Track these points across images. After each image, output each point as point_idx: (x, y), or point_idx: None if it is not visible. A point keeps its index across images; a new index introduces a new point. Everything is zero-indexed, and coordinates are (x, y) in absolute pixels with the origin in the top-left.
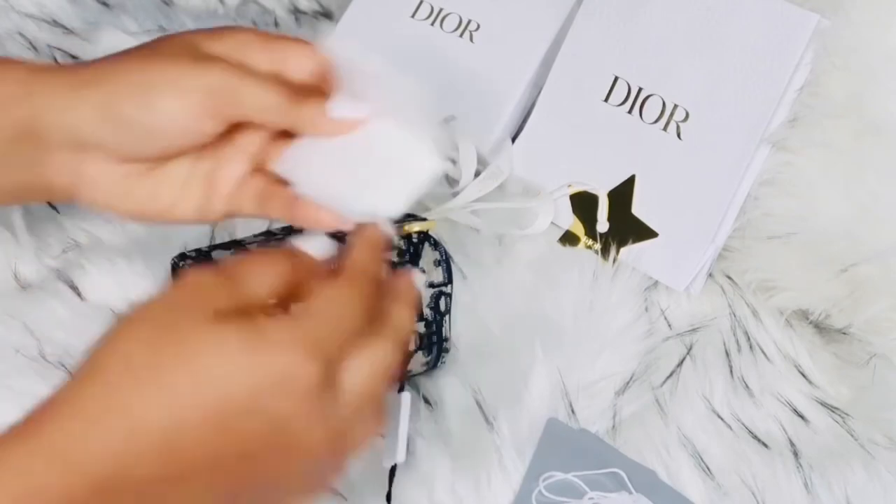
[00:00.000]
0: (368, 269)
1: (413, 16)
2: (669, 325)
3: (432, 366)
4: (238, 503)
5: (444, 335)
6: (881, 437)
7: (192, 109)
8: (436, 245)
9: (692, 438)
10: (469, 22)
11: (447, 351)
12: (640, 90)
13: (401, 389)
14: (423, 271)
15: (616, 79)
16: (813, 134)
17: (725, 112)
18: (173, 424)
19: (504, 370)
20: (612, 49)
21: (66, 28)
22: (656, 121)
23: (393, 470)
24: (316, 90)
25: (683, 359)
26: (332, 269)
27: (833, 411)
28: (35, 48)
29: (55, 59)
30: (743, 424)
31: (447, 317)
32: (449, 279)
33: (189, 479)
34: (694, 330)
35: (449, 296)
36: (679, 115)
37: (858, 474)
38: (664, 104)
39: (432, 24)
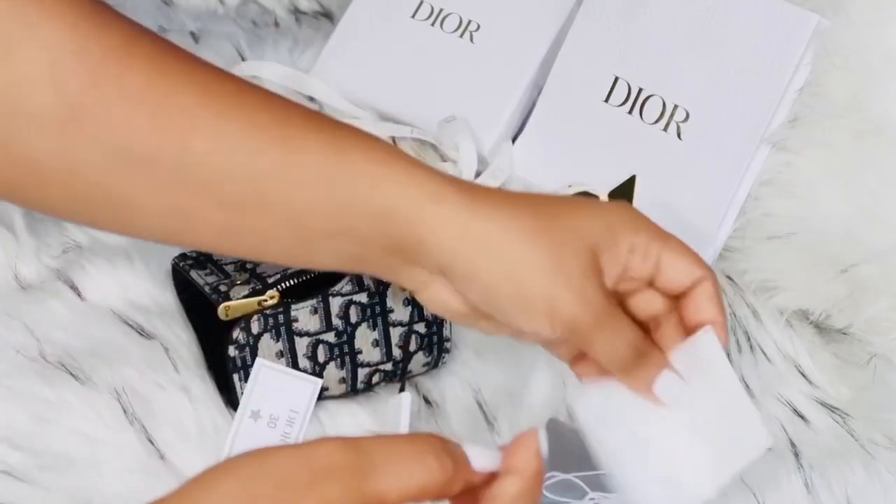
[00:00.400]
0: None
1: (413, 16)
2: None
3: (432, 367)
4: None
5: (444, 335)
6: (881, 437)
7: (552, 333)
8: None
9: None
10: (469, 22)
11: (448, 351)
12: (640, 90)
13: (401, 389)
14: None
15: (616, 79)
16: (813, 134)
17: (725, 112)
18: None
19: (505, 370)
20: (612, 49)
21: None
22: (656, 121)
23: None
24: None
25: None
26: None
27: (833, 411)
28: None
29: None
30: None
31: None
32: None
33: None
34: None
35: None
36: (679, 115)
37: (858, 474)
38: (664, 104)
39: (432, 24)
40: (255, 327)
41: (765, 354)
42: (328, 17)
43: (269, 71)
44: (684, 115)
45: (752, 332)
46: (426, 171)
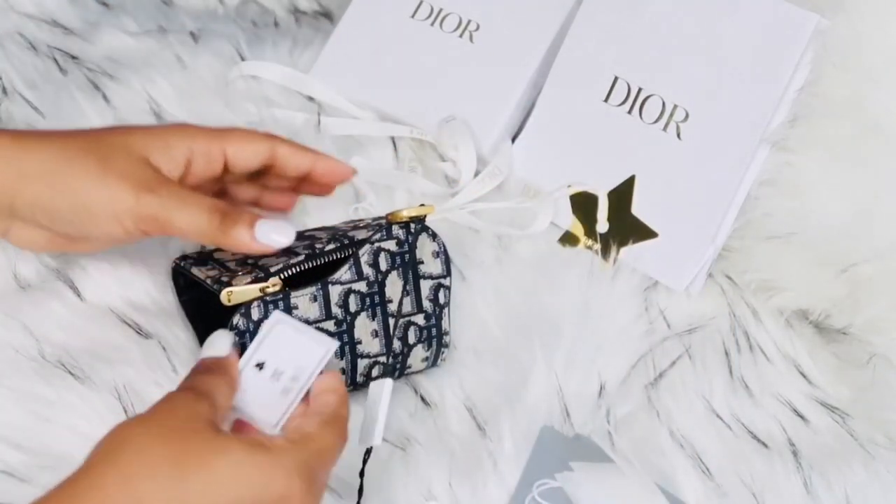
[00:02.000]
0: (346, 418)
1: (413, 16)
2: (669, 325)
3: (432, 362)
4: None
5: (443, 328)
6: (881, 437)
7: (125, 231)
8: (434, 236)
9: (691, 439)
10: (469, 22)
11: (447, 346)
12: (640, 90)
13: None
14: (422, 262)
15: (616, 79)
16: (813, 134)
17: (725, 112)
18: None
19: (503, 371)
20: (611, 49)
21: (66, 28)
22: (656, 121)
23: (368, 451)
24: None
25: (682, 359)
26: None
27: (833, 411)
28: (35, 48)
29: (55, 60)
30: (742, 424)
31: (446, 309)
32: (447, 271)
33: None
34: (693, 330)
35: (448, 288)
36: (679, 115)
37: (858, 474)
38: (664, 104)
39: (432, 24)
40: (255, 313)
41: (765, 354)
42: (328, 17)
43: (269, 71)
44: (684, 115)
45: (751, 332)
46: None
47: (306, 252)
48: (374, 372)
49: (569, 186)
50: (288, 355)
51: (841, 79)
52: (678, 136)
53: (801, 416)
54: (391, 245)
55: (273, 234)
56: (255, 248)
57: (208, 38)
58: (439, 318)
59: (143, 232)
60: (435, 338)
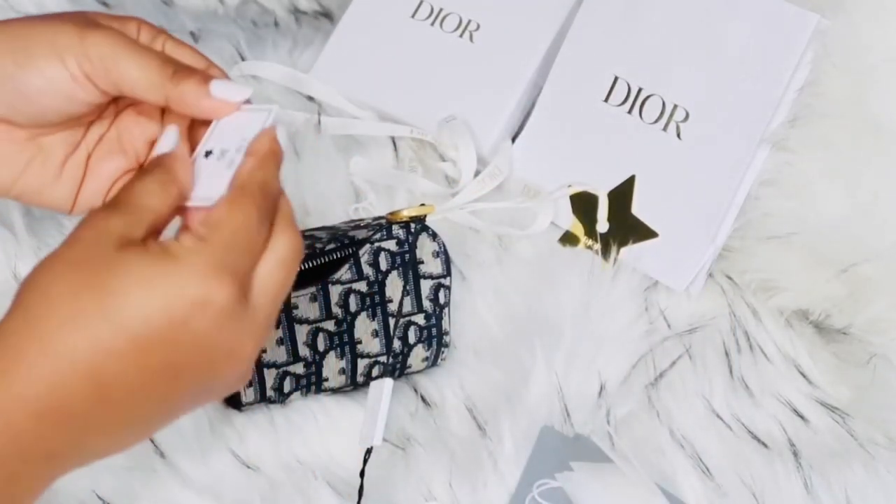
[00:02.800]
0: (267, 182)
1: (413, 16)
2: (669, 326)
3: (432, 362)
4: (174, 411)
5: (443, 328)
6: (881, 437)
7: (69, 72)
8: (434, 236)
9: (691, 439)
10: (469, 22)
11: (447, 346)
12: (640, 90)
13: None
14: (422, 262)
15: (616, 79)
16: (813, 134)
17: (725, 112)
18: (97, 354)
19: (503, 371)
20: (612, 49)
21: None
22: (656, 121)
23: (369, 451)
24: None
25: (682, 359)
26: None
27: (833, 411)
28: None
29: None
30: (743, 424)
31: (446, 309)
32: (447, 271)
33: (123, 401)
34: (694, 330)
35: (448, 288)
36: (679, 115)
37: (858, 474)
38: (664, 104)
39: (432, 24)
40: None
41: (765, 354)
42: (328, 17)
43: (269, 71)
44: (684, 115)
45: (751, 332)
46: None
47: (306, 252)
48: (375, 372)
49: (569, 186)
50: (233, 132)
51: (841, 79)
52: (678, 136)
53: (801, 416)
54: (391, 245)
55: (229, 91)
56: (207, 105)
57: (208, 38)
58: (439, 318)
59: (90, 84)
60: (435, 337)
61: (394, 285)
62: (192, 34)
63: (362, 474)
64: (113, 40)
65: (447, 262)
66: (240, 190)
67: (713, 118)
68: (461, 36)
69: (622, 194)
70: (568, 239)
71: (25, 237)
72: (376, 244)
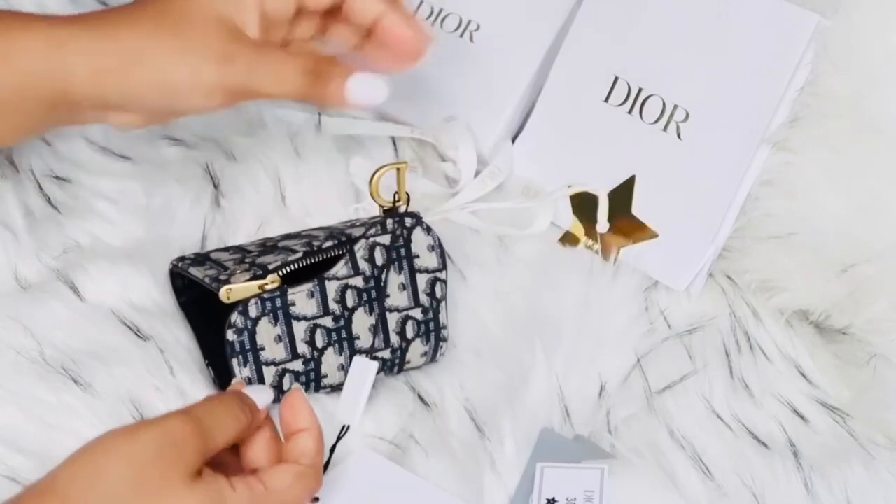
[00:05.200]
0: (319, 463)
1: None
2: (669, 326)
3: (431, 358)
4: None
5: (441, 322)
6: (881, 437)
7: (219, 103)
8: (428, 230)
9: (691, 439)
10: (469, 22)
11: (445, 340)
12: (640, 90)
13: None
14: (418, 256)
15: (616, 79)
16: (813, 134)
17: (725, 112)
18: None
19: (503, 371)
20: (612, 49)
21: None
22: (656, 121)
23: (345, 429)
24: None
25: (682, 359)
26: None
27: (833, 411)
28: None
29: None
30: (743, 425)
31: (444, 303)
32: (443, 265)
33: None
34: (694, 330)
35: (444, 282)
36: (679, 115)
37: (858, 474)
38: (664, 104)
39: (432, 24)
40: (252, 311)
41: (765, 354)
42: None
43: None
44: (684, 115)
45: (752, 332)
46: (46, 23)
47: (304, 249)
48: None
49: (569, 186)
50: None
51: (841, 79)
52: (678, 136)
53: (802, 417)
54: (385, 239)
55: (368, 91)
56: (349, 103)
57: None
58: (437, 312)
59: (236, 101)
60: (433, 332)
61: (390, 280)
62: None
63: (332, 449)
64: (249, 67)
65: (442, 256)
66: (306, 471)
67: (713, 118)
68: (461, 36)
69: (622, 194)
70: (568, 239)
71: (25, 237)
72: (371, 239)
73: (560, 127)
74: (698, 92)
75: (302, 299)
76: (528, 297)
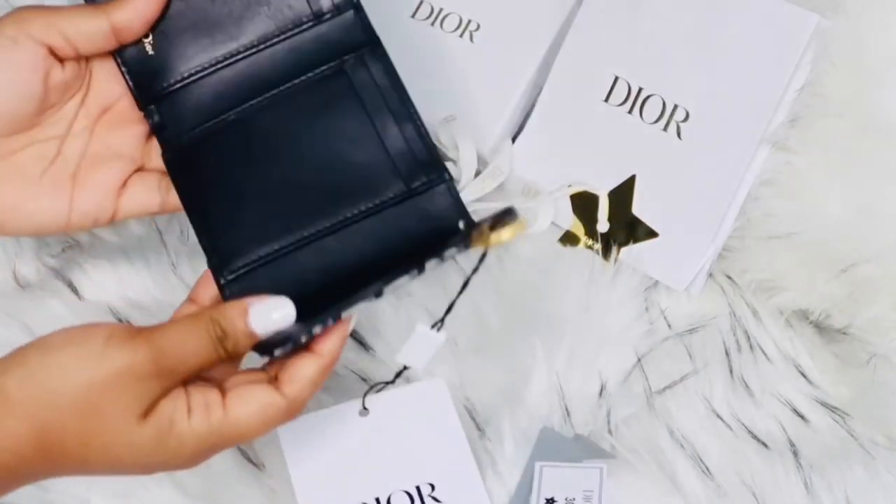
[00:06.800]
0: (303, 396)
1: (413, 16)
2: (669, 325)
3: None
4: None
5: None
6: (881, 437)
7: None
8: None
9: (691, 439)
10: (469, 22)
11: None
12: (640, 90)
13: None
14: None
15: (616, 79)
16: (813, 134)
17: (725, 112)
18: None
19: (503, 371)
20: (612, 49)
21: None
22: (656, 121)
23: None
24: None
25: (682, 359)
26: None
27: (833, 411)
28: None
29: None
30: (743, 424)
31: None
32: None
33: None
34: (694, 330)
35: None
36: (679, 115)
37: (858, 474)
38: (664, 104)
39: (432, 24)
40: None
41: (765, 354)
42: None
43: None
44: (684, 115)
45: (751, 332)
46: None
47: None
48: None
49: (569, 186)
50: None
51: (841, 79)
52: (678, 136)
53: (802, 416)
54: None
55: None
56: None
57: None
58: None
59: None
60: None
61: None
62: None
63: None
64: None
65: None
66: (293, 403)
67: (713, 118)
68: (461, 36)
69: (622, 194)
70: (568, 239)
71: (25, 237)
72: None
73: (560, 127)
74: (698, 92)
75: None
76: (528, 296)
